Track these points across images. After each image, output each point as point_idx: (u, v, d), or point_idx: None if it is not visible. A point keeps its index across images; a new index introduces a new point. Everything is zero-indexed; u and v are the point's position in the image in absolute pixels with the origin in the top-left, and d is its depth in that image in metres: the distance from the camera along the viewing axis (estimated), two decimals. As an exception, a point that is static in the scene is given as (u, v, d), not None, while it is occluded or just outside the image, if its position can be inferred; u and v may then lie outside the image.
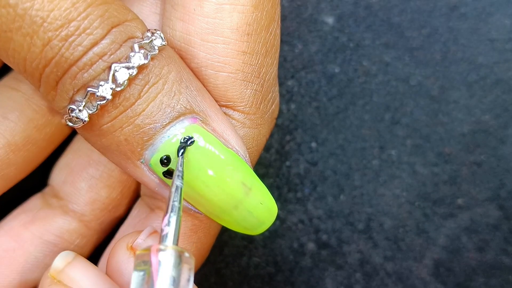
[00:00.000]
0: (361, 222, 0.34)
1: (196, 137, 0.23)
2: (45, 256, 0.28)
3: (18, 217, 0.29)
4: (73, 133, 0.30)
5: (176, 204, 0.21)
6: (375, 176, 0.34)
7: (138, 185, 0.29)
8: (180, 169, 0.22)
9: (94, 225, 0.29)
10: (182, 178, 0.22)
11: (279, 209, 0.32)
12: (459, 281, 0.33)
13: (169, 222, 0.20)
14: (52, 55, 0.20)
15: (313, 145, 0.34)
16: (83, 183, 0.29)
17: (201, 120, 0.23)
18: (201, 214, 0.24)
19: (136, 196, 0.30)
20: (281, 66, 0.34)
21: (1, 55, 0.21)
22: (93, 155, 0.29)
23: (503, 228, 0.34)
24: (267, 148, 0.34)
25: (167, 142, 0.23)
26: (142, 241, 0.25)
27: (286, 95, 0.34)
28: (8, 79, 0.28)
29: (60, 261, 0.24)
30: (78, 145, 0.30)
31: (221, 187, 0.23)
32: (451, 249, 0.34)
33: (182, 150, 0.22)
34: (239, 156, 0.24)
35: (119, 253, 0.25)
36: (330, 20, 0.35)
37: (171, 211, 0.21)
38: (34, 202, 0.30)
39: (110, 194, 0.29)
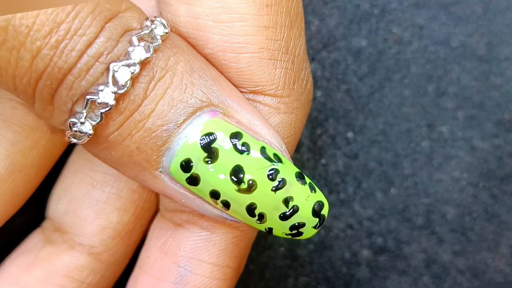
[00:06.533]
0: (420, 216, 0.33)
1: (218, 134, 0.23)
2: None
3: (17, 261, 0.28)
4: (65, 154, 0.29)
5: None
6: (427, 160, 0.33)
7: (153, 202, 0.29)
8: None
9: (106, 256, 0.28)
10: None
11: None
12: (544, 267, 0.33)
13: None
14: (43, 67, 0.20)
15: (350, 135, 0.34)
16: (88, 210, 0.28)
17: (221, 113, 0.23)
18: (238, 221, 0.24)
19: (151, 216, 0.29)
20: (298, 49, 0.34)
21: None
22: (96, 175, 0.28)
23: None
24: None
25: (185, 144, 0.22)
26: None
27: (309, 82, 0.34)
28: None
29: None
30: (75, 166, 0.29)
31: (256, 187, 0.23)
32: (529, 231, 0.33)
33: None
34: (273, 147, 0.23)
35: None
36: (346, -14, 0.35)
37: None
38: (33, 241, 0.29)
39: (121, 218, 0.28)
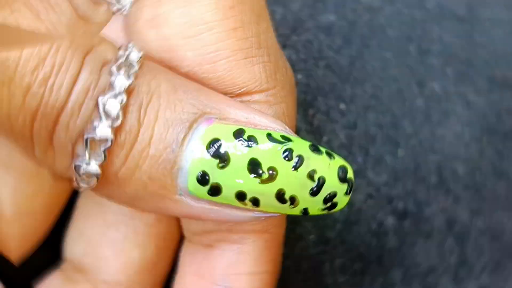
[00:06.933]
0: (433, 174, 0.33)
1: (222, 138, 0.23)
2: None
3: None
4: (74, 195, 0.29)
5: None
6: (426, 117, 0.33)
7: (175, 231, 0.29)
8: None
9: None
10: None
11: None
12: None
13: None
14: (36, 105, 0.21)
15: (342, 106, 0.33)
16: (108, 250, 0.28)
17: (217, 118, 0.23)
18: (275, 215, 0.24)
19: (177, 244, 0.29)
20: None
21: None
22: (108, 216, 0.29)
23: None
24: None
25: (193, 159, 0.23)
26: None
27: (287, 69, 0.34)
28: None
29: None
30: (86, 209, 0.29)
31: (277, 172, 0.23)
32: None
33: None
34: (278, 131, 0.24)
35: None
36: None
37: None
38: (53, 282, 0.29)
39: (143, 254, 0.28)
